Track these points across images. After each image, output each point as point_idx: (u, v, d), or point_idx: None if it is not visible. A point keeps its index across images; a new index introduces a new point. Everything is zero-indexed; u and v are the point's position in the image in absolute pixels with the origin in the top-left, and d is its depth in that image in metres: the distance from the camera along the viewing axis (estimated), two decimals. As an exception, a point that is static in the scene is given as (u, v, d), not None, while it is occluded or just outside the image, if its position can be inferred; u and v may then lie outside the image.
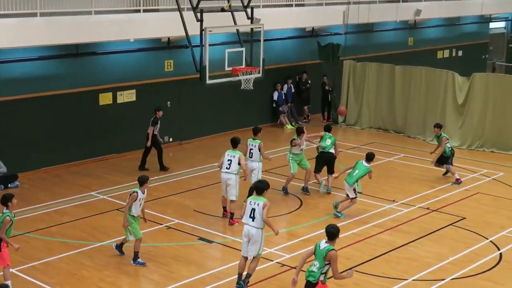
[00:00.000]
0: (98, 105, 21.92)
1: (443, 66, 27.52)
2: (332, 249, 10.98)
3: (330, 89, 28.03)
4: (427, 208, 17.83)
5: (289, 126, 27.15)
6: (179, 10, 18.65)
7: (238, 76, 18.83)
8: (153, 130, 20.83)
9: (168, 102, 23.69)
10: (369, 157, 17.42)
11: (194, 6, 18.27)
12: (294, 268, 13.87)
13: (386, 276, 13.79)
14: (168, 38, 23.03)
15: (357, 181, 17.15)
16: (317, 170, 19.16)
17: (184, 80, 23.73)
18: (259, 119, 26.74)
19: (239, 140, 16.96)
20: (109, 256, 14.65)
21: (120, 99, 22.43)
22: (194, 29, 18.20)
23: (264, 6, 24.55)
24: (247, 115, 26.11)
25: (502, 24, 41.30)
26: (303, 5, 27.11)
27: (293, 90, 27.92)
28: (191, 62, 18.61)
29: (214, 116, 25.26)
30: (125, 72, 22.39)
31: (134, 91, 22.72)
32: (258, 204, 12.80)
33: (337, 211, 17.16)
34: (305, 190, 18.93)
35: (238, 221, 16.35)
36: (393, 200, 18.44)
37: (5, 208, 12.66)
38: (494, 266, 14.32)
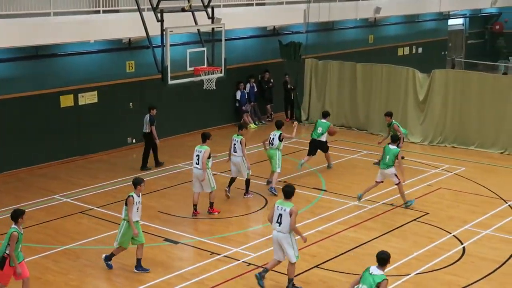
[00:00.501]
0: (59, 107, 21.71)
1: (403, 63, 27.83)
2: (385, 279, 10.78)
3: (292, 87, 28.12)
4: (391, 204, 17.97)
5: (252, 125, 27.18)
6: (139, 10, 18.58)
7: (200, 76, 18.82)
8: (154, 128, 20.99)
9: (131, 103, 23.56)
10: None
11: (154, 6, 18.21)
12: (261, 267, 13.94)
13: (352, 272, 13.86)
14: (129, 39, 22.90)
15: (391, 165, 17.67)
16: (310, 153, 20.79)
17: (146, 80, 23.62)
18: (222, 118, 26.78)
19: (208, 135, 17.22)
20: (74, 259, 14.53)
21: (81, 101, 22.24)
22: (154, 29, 18.15)
23: (224, 6, 24.53)
24: (210, 115, 26.10)
25: (460, 21, 41.86)
26: (263, 4, 27.15)
27: (255, 89, 27.94)
28: (152, 63, 18.56)
29: (177, 116, 25.18)
30: (86, 73, 22.20)
31: (95, 92, 22.55)
32: (285, 210, 12.67)
33: (407, 202, 17.75)
34: (272, 190, 18.95)
35: (219, 211, 16.98)
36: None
37: (14, 223, 12.08)
38: (458, 260, 14.49)
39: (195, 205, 17.20)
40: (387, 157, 17.61)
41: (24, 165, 20.99)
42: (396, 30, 35.69)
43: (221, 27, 19.41)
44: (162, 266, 14.23)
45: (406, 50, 36.62)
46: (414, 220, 16.81)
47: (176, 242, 15.54)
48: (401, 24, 35.88)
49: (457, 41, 41.99)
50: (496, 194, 18.81)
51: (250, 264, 14.25)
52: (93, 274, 13.88)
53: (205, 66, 19.02)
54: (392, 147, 17.83)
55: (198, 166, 16.83)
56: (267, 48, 28.48)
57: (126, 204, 13.78)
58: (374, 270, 10.92)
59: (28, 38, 19.11)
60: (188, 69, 18.65)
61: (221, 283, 13.39)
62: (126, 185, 19.66)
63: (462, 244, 15.37)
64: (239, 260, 14.40)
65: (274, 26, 28.32)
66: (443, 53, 39.91)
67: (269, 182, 19.16)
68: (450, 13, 39.12)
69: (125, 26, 21.10)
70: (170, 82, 18.08)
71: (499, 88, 23.18)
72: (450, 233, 15.98)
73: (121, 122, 23.24)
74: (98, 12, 20.94)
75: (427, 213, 17.25)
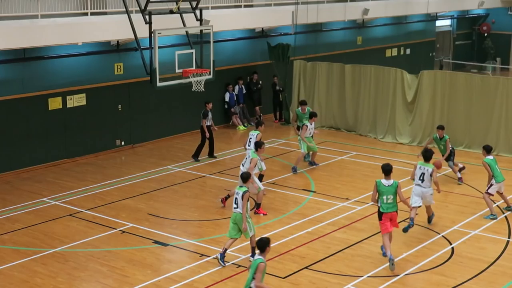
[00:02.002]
0: (47, 110, 21.63)
1: (391, 64, 27.88)
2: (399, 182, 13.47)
3: (281, 89, 28.13)
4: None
5: (241, 127, 27.18)
6: (127, 12, 18.52)
7: (189, 78, 18.78)
8: (205, 122, 22.13)
9: (119, 105, 23.50)
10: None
11: (143, 8, 18.15)
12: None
13: (341, 273, 13.90)
14: (117, 41, 22.84)
15: None
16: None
17: (134, 83, 23.58)
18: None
19: (261, 144, 17.67)
20: (62, 262, 14.48)
21: (70, 104, 22.16)
22: (143, 31, 18.10)
23: (213, 8, 24.52)
24: (199, 117, 26.03)
25: (447, 22, 42.00)
26: (252, 6, 27.16)
27: (244, 91, 27.94)
28: (141, 65, 18.50)
29: (166, 118, 25.15)
30: (74, 76, 22.13)
31: (84, 95, 22.48)
32: (427, 170, 15.84)
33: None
34: (294, 170, 20.78)
35: (266, 213, 17.20)
36: (346, 198, 18.59)
37: (260, 252, 11.24)
38: (447, 260, 14.54)
39: (228, 196, 17.77)
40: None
41: (12, 168, 20.89)
42: (384, 31, 35.78)
43: (210, 29, 19.38)
44: (151, 268, 14.21)
45: (394, 51, 36.71)
46: (403, 220, 16.82)
47: (165, 244, 15.51)
48: (389, 26, 35.98)
49: (445, 42, 42.14)
50: (485, 195, 18.88)
51: (239, 266, 14.23)
52: (81, 277, 13.84)
53: (194, 68, 18.98)
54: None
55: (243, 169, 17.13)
56: (255, 50, 28.48)
57: (242, 199, 14.10)
58: (386, 181, 14.03)
59: (15, 41, 19.03)
60: (177, 71, 18.61)
61: (211, 285, 13.38)
62: (115, 187, 19.63)
63: (451, 244, 15.41)
64: (228, 262, 14.38)
65: (262, 28, 28.33)
66: (431, 54, 40.04)
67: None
68: (438, 14, 39.25)
69: (113, 28, 21.05)
70: (158, 84, 18.04)
71: (486, 88, 23.27)
72: (439, 234, 16.02)
73: (109, 124, 23.18)
74: (86, 14, 20.88)
75: (416, 214, 17.26)
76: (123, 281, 13.59)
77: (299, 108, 22.43)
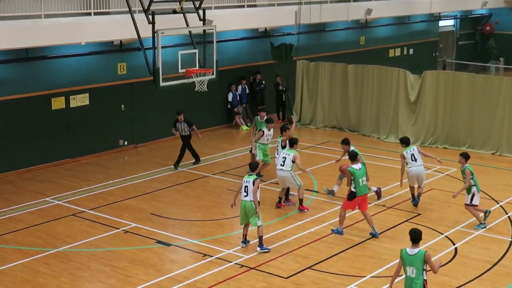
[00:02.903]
0: (50, 110, 21.64)
1: (394, 65, 27.83)
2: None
3: (284, 89, 28.12)
4: (383, 205, 17.99)
5: (244, 127, 27.16)
6: (131, 12, 18.54)
7: (192, 78, 18.79)
8: (174, 130, 21.46)
9: (122, 105, 23.51)
10: None
11: (146, 8, 18.18)
12: (253, 268, 13.95)
13: (344, 274, 13.88)
14: (120, 41, 22.85)
15: None
16: None
17: (137, 83, 23.57)
18: (214, 120, 26.75)
19: (296, 141, 17.70)
20: (65, 262, 14.48)
21: (73, 103, 22.17)
22: (146, 31, 18.12)
23: (216, 8, 24.51)
24: (202, 117, 26.03)
25: (451, 22, 41.94)
26: (255, 5, 27.14)
27: (247, 91, 27.93)
28: (144, 65, 18.53)
29: (169, 118, 25.05)
30: (77, 76, 22.14)
31: (87, 95, 22.48)
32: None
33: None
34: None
35: (308, 208, 17.35)
36: (349, 198, 18.56)
37: None
38: (450, 261, 14.52)
39: (280, 198, 17.81)
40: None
41: (14, 168, 20.90)
42: (387, 31, 35.74)
43: (213, 29, 19.39)
44: (154, 268, 14.20)
45: (397, 51, 36.67)
46: (406, 221, 16.83)
47: (168, 244, 15.51)
48: (392, 26, 35.93)
49: (448, 42, 42.07)
50: (487, 195, 18.83)
51: (242, 266, 14.23)
52: (84, 277, 13.84)
53: (197, 68, 19.00)
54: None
55: (284, 168, 17.12)
56: (258, 50, 28.46)
57: (253, 184, 14.60)
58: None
59: (18, 41, 19.04)
60: (180, 71, 18.62)
61: (213, 285, 13.37)
62: (117, 187, 19.63)
63: (454, 244, 15.39)
64: (231, 262, 14.38)
65: (265, 28, 28.32)
66: (434, 54, 40.00)
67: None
68: (441, 14, 39.20)
69: (117, 28, 21.05)
70: (161, 84, 18.05)
71: (490, 89, 23.23)
72: (442, 234, 16.00)
73: (112, 124, 23.19)
74: (89, 14, 20.89)
75: (419, 214, 17.27)
76: (126, 281, 13.59)
77: (258, 116, 20.80)
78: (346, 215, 16.00)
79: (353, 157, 16.38)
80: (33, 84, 21.10)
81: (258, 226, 14.80)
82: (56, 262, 14.51)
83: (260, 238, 14.88)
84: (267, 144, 20.00)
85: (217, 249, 15.02)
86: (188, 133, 21.37)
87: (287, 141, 17.87)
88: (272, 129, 19.90)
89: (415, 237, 11.38)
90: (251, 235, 15.24)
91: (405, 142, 18.03)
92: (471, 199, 16.33)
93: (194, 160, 21.81)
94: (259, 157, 19.75)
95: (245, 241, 15.16)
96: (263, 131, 19.76)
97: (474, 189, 16.27)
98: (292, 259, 14.60)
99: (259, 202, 14.85)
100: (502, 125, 23.06)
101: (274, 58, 27.85)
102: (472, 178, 16.20)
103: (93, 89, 22.63)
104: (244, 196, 14.76)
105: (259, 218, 14.78)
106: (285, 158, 17.16)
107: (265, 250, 14.84)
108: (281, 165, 17.22)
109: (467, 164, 16.42)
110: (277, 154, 18.70)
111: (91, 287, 13.59)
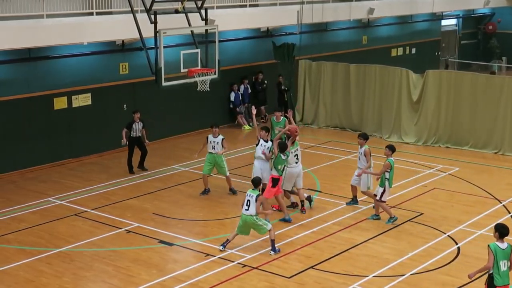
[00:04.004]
0: (52, 110, 21.65)
1: (397, 64, 27.82)
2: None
3: (286, 88, 28.10)
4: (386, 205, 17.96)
5: (246, 127, 27.17)
6: (133, 12, 18.54)
7: (194, 77, 18.77)
8: (126, 132, 20.74)
9: (124, 105, 23.51)
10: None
11: (148, 8, 18.17)
12: (256, 268, 13.95)
13: (347, 273, 13.87)
14: (122, 41, 22.85)
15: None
16: None
17: (139, 82, 23.58)
18: (216, 120, 26.60)
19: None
20: (68, 262, 14.48)
21: (75, 103, 22.19)
22: (148, 31, 18.11)
23: (218, 7, 24.50)
24: (204, 117, 26.03)
25: (453, 21, 41.93)
26: (257, 5, 27.14)
27: (249, 91, 27.93)
28: (146, 65, 18.52)
29: (171, 118, 25.15)
30: (79, 75, 22.15)
31: (89, 94, 22.50)
32: None
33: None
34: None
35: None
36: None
37: None
38: (452, 260, 14.50)
39: (302, 201, 17.45)
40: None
41: (17, 168, 20.91)
42: (389, 31, 35.74)
43: (215, 29, 19.38)
44: (156, 268, 14.20)
45: (400, 51, 36.67)
46: (409, 220, 16.81)
47: (170, 244, 15.50)
48: (394, 25, 35.93)
49: (450, 42, 42.07)
50: (490, 194, 18.83)
51: (245, 265, 14.22)
52: (87, 277, 13.84)
53: (199, 67, 18.99)
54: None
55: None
56: (260, 50, 28.47)
57: (256, 201, 14.53)
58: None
59: (21, 41, 19.04)
60: (182, 70, 18.60)
61: (216, 284, 13.37)
62: (120, 187, 19.63)
63: (456, 244, 15.38)
64: (234, 262, 14.38)
65: (267, 27, 28.32)
66: (436, 53, 39.98)
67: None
68: (443, 13, 39.19)
69: (119, 28, 21.05)
70: (164, 84, 18.04)
71: (492, 88, 23.21)
72: (445, 233, 15.99)
73: (114, 124, 23.16)
74: (91, 14, 20.89)
75: (422, 214, 17.26)
76: (129, 281, 13.59)
77: (274, 116, 19.20)
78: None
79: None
80: (35, 84, 21.11)
81: (270, 231, 14.71)
82: (59, 262, 14.51)
83: (272, 241, 14.76)
84: (214, 153, 18.66)
85: (220, 249, 15.01)
86: (141, 134, 20.90)
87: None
88: (219, 135, 18.79)
89: (505, 232, 11.43)
90: (249, 238, 15.25)
91: (366, 138, 17.76)
92: (382, 195, 16.45)
93: (138, 165, 21.14)
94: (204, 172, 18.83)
95: (224, 245, 14.94)
96: (207, 138, 18.81)
97: (387, 183, 16.40)
98: (295, 259, 14.59)
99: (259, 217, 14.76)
100: (505, 124, 23.03)
101: (276, 57, 27.84)
102: (389, 171, 16.36)
103: (95, 89, 22.64)
104: (245, 210, 14.60)
105: (266, 223, 14.70)
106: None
107: (277, 252, 14.80)
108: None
109: (391, 158, 16.60)
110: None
111: (93, 287, 13.59)
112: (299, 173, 17.32)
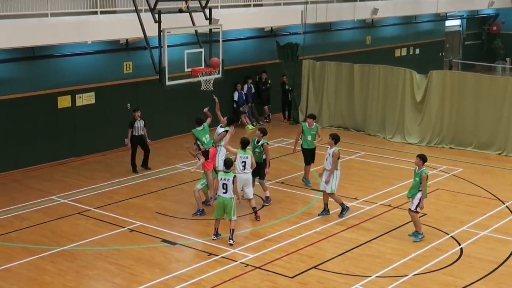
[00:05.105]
0: (56, 109, 21.67)
1: (401, 64, 27.80)
2: None
3: (290, 88, 28.10)
4: (389, 205, 17.98)
5: (250, 126, 27.17)
6: (137, 11, 18.56)
7: (198, 77, 18.78)
8: (130, 132, 20.81)
9: (128, 104, 23.51)
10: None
11: (152, 7, 18.19)
12: (258, 268, 13.94)
13: (349, 273, 13.87)
14: (126, 40, 22.87)
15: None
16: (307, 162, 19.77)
17: (143, 81, 23.59)
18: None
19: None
20: (71, 260, 14.49)
21: (79, 102, 22.21)
22: (152, 30, 18.11)
23: (222, 7, 24.51)
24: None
25: (457, 22, 41.89)
26: (261, 5, 27.14)
27: (253, 90, 27.93)
28: (150, 64, 18.54)
29: (175, 117, 25.15)
30: (83, 74, 22.18)
31: (93, 93, 22.52)
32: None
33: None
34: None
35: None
36: (355, 198, 18.56)
37: None
38: (455, 261, 14.49)
39: (254, 208, 16.99)
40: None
41: (20, 166, 20.94)
42: (393, 31, 35.71)
43: (219, 28, 19.38)
44: (159, 267, 14.21)
45: (404, 51, 36.64)
46: (412, 221, 16.78)
47: (173, 243, 15.51)
48: (398, 25, 35.90)
49: (454, 42, 42.02)
50: (493, 195, 18.82)
51: (247, 265, 14.22)
52: (90, 276, 13.85)
53: (203, 67, 19.00)
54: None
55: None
56: (264, 49, 28.46)
57: (233, 183, 15.09)
58: None
59: (25, 39, 19.07)
60: (186, 70, 18.61)
61: (219, 284, 13.37)
62: (123, 186, 19.65)
63: (459, 245, 15.36)
64: (236, 261, 14.38)
65: (271, 27, 28.31)
66: (440, 54, 39.94)
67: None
68: (447, 14, 39.15)
69: (123, 27, 21.07)
70: (167, 83, 18.05)
71: (496, 89, 23.19)
72: (448, 234, 15.97)
73: (118, 123, 23.17)
74: (95, 13, 20.90)
75: (425, 214, 17.23)
76: (132, 280, 13.60)
77: (306, 123, 19.76)
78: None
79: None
80: (39, 83, 21.13)
81: (233, 220, 15.26)
82: (62, 260, 14.53)
83: (232, 231, 15.29)
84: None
85: (223, 248, 15.02)
86: (143, 132, 20.95)
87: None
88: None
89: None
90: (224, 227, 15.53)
91: (336, 139, 17.67)
92: (418, 204, 15.43)
93: (142, 164, 21.22)
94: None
95: (216, 234, 15.56)
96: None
97: (422, 194, 15.37)
98: (298, 259, 14.59)
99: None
100: (509, 125, 22.99)
101: (280, 57, 27.84)
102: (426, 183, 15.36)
103: (99, 88, 22.67)
104: (223, 193, 15.14)
105: (234, 212, 15.27)
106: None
107: (231, 243, 15.22)
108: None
109: (424, 168, 15.57)
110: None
111: (96, 286, 13.61)
112: (245, 181, 16.53)
